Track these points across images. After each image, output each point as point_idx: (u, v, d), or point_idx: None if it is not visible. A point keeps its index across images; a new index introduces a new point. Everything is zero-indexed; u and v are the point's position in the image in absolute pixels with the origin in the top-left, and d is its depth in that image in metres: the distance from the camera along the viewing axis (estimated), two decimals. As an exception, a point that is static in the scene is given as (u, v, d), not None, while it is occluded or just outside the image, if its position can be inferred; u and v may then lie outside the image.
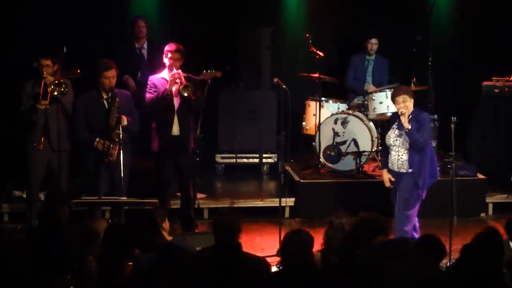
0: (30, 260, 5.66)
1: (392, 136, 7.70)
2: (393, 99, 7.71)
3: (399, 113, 7.61)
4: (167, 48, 8.17)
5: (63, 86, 7.99)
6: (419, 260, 5.13)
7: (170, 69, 8.10)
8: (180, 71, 8.08)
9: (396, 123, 7.70)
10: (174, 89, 8.04)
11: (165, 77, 8.14)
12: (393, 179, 7.74)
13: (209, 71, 9.18)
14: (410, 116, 7.61)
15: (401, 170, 7.68)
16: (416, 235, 7.59)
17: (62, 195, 6.73)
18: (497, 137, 9.83)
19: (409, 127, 7.53)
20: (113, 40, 10.14)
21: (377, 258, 5.35)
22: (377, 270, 5.10)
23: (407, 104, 7.59)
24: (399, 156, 7.69)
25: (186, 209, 8.37)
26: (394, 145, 7.69)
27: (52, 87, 7.95)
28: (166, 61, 8.16)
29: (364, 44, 10.42)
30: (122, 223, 7.11)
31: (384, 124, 9.89)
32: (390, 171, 7.77)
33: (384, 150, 7.93)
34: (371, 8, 11.01)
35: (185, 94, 8.00)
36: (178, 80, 8.02)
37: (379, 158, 9.84)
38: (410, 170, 7.63)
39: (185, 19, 10.64)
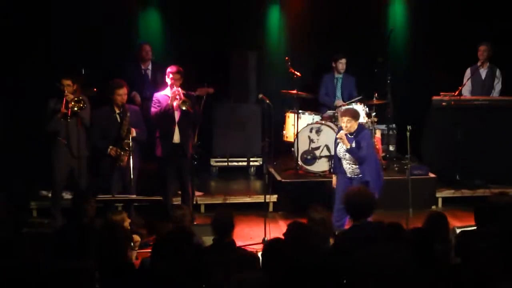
0: (56, 252, 5.61)
1: (342, 150, 7.70)
2: (340, 117, 7.72)
3: (337, 136, 7.64)
4: (169, 69, 8.16)
5: (82, 102, 7.97)
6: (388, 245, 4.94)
7: (172, 87, 8.10)
8: (179, 88, 8.07)
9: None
10: (175, 104, 8.04)
11: (168, 94, 8.13)
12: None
13: (204, 87, 9.23)
14: (354, 134, 7.59)
15: (352, 176, 7.71)
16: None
17: (87, 195, 6.63)
18: (445, 142, 9.83)
19: (348, 146, 7.54)
20: (122, 61, 10.10)
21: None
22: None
23: (350, 125, 7.59)
24: (350, 165, 7.71)
25: (185, 204, 8.33)
26: (344, 158, 7.71)
27: (72, 103, 7.93)
28: (168, 80, 8.15)
29: (335, 64, 10.42)
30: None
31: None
32: (342, 176, 7.77)
33: (335, 158, 7.89)
34: (339, 35, 11.03)
35: (184, 108, 8.00)
36: (178, 97, 8.02)
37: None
38: (360, 175, 7.64)
39: (185, 43, 10.62)
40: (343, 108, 7.96)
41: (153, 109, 8.13)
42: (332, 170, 8.16)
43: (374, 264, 4.31)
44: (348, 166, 7.73)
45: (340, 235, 6.13)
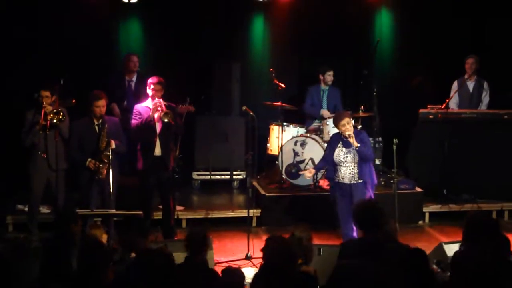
0: (41, 268, 5.47)
1: (342, 154, 7.66)
2: (338, 122, 7.68)
3: (347, 135, 7.59)
4: (150, 80, 8.06)
5: (61, 114, 7.87)
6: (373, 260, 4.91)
7: (153, 98, 7.99)
8: (161, 100, 7.96)
9: (340, 143, 7.68)
10: (156, 116, 7.92)
11: (149, 106, 8.02)
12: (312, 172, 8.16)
13: (185, 104, 9.13)
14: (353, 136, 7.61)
15: (352, 182, 7.66)
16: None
17: (74, 215, 6.44)
18: (432, 156, 9.79)
19: (358, 145, 7.51)
20: (103, 72, 9.99)
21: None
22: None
23: (350, 125, 7.64)
24: (350, 170, 7.66)
25: (166, 219, 8.21)
26: (345, 161, 7.65)
27: (51, 115, 7.82)
28: (149, 91, 8.04)
29: (323, 76, 10.33)
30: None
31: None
32: (339, 184, 7.71)
33: (330, 165, 7.81)
34: (325, 47, 10.99)
35: (166, 120, 7.88)
36: (159, 108, 7.90)
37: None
38: (360, 181, 7.63)
39: (167, 54, 10.52)
40: (338, 113, 7.94)
41: (133, 121, 8.01)
42: (326, 176, 8.06)
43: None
44: (348, 171, 7.67)
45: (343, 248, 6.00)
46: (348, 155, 7.65)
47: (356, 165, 7.65)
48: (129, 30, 10.81)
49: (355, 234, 7.43)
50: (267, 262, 4.96)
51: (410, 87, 10.89)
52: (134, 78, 9.85)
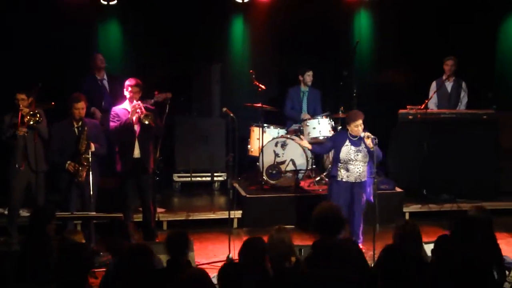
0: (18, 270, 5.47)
1: (352, 152, 7.77)
2: (352, 122, 7.77)
3: (365, 135, 7.69)
4: (127, 82, 8.05)
5: (38, 116, 7.89)
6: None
7: (131, 101, 7.99)
8: (140, 102, 7.97)
9: (348, 141, 7.77)
10: (134, 118, 7.92)
11: (127, 108, 8.02)
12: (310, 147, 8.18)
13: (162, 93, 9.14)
14: (358, 137, 7.79)
15: (356, 180, 7.79)
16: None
17: (49, 213, 6.45)
18: (411, 156, 9.88)
19: (374, 147, 7.64)
20: (83, 74, 9.96)
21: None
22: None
23: (362, 127, 7.75)
24: (357, 168, 7.78)
25: (147, 221, 8.21)
26: (355, 160, 7.78)
27: (28, 117, 7.84)
28: (126, 93, 8.04)
29: (301, 76, 10.39)
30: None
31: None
32: (340, 182, 7.82)
33: (337, 163, 7.87)
34: (305, 48, 11.05)
35: (146, 122, 7.89)
36: (138, 110, 7.91)
37: (313, 175, 9.85)
38: (364, 179, 7.82)
39: (147, 56, 10.52)
40: (353, 113, 8.01)
41: (112, 124, 8.00)
42: (332, 173, 8.00)
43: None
44: (356, 169, 7.81)
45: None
46: (358, 153, 7.78)
47: (364, 164, 7.82)
48: (109, 32, 10.79)
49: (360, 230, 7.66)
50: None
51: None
52: (105, 77, 9.83)
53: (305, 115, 10.25)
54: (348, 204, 7.83)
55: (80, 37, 10.31)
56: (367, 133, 7.71)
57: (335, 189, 7.85)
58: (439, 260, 5.02)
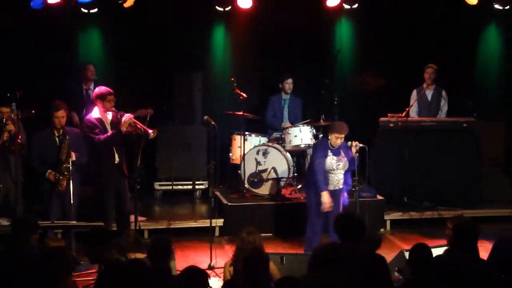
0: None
1: (334, 162, 7.80)
2: (336, 132, 7.77)
3: (353, 145, 7.78)
4: (101, 91, 8.06)
5: (8, 124, 7.87)
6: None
7: (107, 110, 8.05)
8: (132, 116, 8.03)
9: (329, 151, 7.79)
10: (125, 129, 8.02)
11: (100, 117, 8.06)
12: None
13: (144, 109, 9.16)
14: (338, 148, 7.82)
15: (336, 188, 7.83)
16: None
17: (32, 223, 6.41)
18: (392, 164, 9.95)
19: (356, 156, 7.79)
20: (63, 81, 9.95)
21: None
22: None
23: (342, 141, 7.82)
24: (337, 177, 7.82)
25: (123, 228, 8.19)
26: (337, 169, 7.81)
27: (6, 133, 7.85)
28: (99, 103, 8.05)
29: (281, 84, 10.44)
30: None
31: (302, 153, 9.99)
32: (318, 192, 7.80)
33: (321, 174, 7.79)
34: (286, 56, 11.11)
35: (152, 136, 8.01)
36: (133, 124, 7.99)
37: (295, 183, 9.88)
38: (342, 186, 7.87)
39: (128, 64, 10.50)
40: (342, 124, 8.03)
41: (96, 136, 7.97)
42: (321, 188, 7.76)
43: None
44: (336, 178, 7.85)
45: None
46: (340, 163, 7.81)
47: (343, 172, 7.87)
48: (89, 40, 10.78)
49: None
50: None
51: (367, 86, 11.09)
52: (92, 87, 9.82)
53: (285, 123, 10.29)
54: (326, 212, 7.82)
55: (61, 44, 10.30)
56: (356, 142, 7.78)
57: (315, 198, 7.85)
58: (415, 270, 5.04)
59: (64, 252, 5.12)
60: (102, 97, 8.02)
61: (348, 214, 6.24)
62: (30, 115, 8.47)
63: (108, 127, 8.08)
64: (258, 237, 6.15)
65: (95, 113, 8.09)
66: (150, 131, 8.01)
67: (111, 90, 8.07)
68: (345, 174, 7.90)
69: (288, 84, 10.42)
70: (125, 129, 7.98)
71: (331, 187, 7.83)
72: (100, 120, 8.05)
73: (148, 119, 8.83)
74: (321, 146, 7.97)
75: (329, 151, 7.80)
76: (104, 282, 4.91)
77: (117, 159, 8.07)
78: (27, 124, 8.38)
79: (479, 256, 5.40)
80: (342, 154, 7.82)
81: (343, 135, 7.78)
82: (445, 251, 5.68)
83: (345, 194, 7.98)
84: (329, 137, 7.84)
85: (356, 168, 7.85)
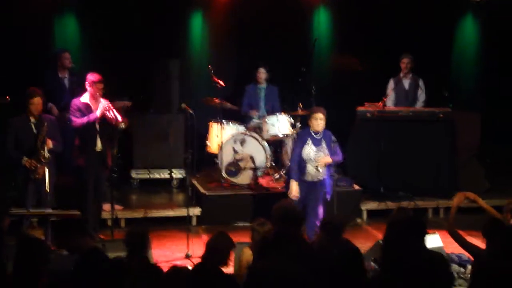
0: None
1: (312, 152, 7.76)
2: (314, 113, 7.79)
3: (319, 164, 7.72)
4: (92, 78, 8.07)
5: None
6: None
7: (94, 96, 7.99)
8: (109, 104, 8.04)
9: (309, 139, 7.78)
10: (99, 114, 8.00)
11: (87, 102, 8.04)
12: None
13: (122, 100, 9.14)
14: (320, 135, 7.77)
15: (314, 180, 7.79)
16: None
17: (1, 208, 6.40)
18: (369, 154, 10.01)
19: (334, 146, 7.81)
20: (39, 68, 9.86)
21: None
22: None
23: (323, 123, 7.78)
24: (315, 168, 7.75)
25: (97, 212, 8.26)
26: (314, 160, 7.75)
27: None
28: (89, 89, 8.04)
29: (256, 74, 10.41)
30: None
31: (280, 143, 10.00)
32: (301, 182, 7.79)
33: (295, 164, 7.84)
34: (263, 44, 11.11)
35: (122, 126, 8.03)
36: (109, 112, 7.98)
37: (272, 172, 9.91)
38: (322, 178, 7.81)
39: (104, 51, 10.42)
40: (316, 107, 8.04)
41: (74, 118, 7.99)
42: (293, 177, 7.80)
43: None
44: (315, 169, 7.79)
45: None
46: (319, 153, 7.77)
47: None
48: (65, 26, 10.69)
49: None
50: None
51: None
52: (67, 75, 9.76)
53: (253, 112, 10.21)
54: (304, 202, 7.85)
55: (37, 31, 10.21)
56: (322, 162, 7.74)
57: (304, 189, 7.86)
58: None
59: (39, 245, 5.09)
60: (91, 83, 8.03)
61: (286, 204, 6.27)
62: (5, 102, 8.39)
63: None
64: (268, 228, 6.09)
65: (84, 97, 8.10)
66: (121, 119, 7.97)
67: (98, 77, 8.06)
68: (327, 165, 7.88)
69: (260, 73, 10.30)
70: (100, 114, 7.95)
71: (308, 178, 7.82)
72: (86, 106, 8.05)
73: (125, 110, 8.84)
74: (302, 134, 7.99)
75: (309, 139, 7.80)
76: (82, 270, 4.91)
77: (99, 146, 8.07)
78: (2, 111, 8.30)
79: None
80: (323, 145, 7.81)
81: (319, 114, 7.75)
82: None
83: (328, 189, 7.93)
84: (310, 124, 7.85)
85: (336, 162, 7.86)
